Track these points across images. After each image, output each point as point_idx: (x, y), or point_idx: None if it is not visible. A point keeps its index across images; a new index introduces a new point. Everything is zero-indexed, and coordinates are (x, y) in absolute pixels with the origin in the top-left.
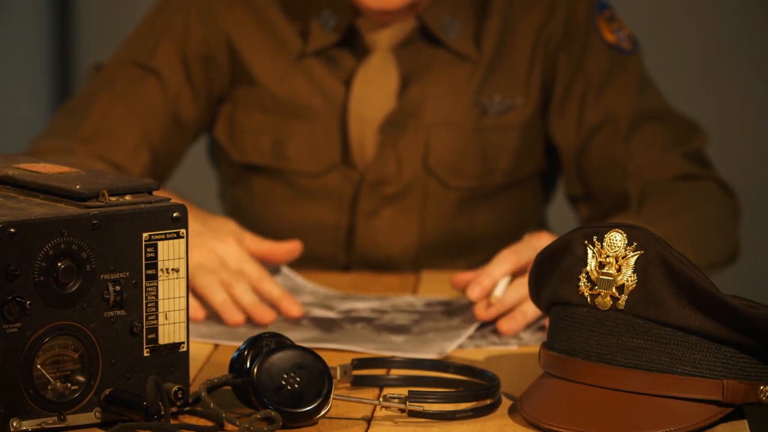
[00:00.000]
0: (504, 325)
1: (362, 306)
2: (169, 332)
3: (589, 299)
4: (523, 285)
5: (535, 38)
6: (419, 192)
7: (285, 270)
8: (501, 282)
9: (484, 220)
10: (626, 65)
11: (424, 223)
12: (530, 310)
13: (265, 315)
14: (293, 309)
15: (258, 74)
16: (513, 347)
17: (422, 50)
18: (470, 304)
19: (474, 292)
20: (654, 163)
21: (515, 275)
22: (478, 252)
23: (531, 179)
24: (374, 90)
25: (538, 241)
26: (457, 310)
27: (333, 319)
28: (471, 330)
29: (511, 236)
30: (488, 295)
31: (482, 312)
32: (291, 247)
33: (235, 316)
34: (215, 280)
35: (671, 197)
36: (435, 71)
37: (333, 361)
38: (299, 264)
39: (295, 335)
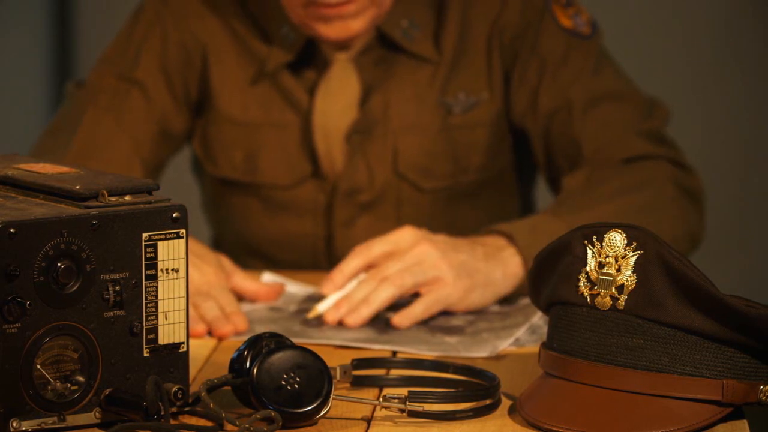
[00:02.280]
0: (349, 319)
1: None
2: (169, 332)
3: (588, 299)
4: (371, 278)
5: (489, 31)
6: (393, 197)
7: (293, 287)
8: (352, 281)
9: (463, 218)
10: (583, 49)
11: None
12: (377, 299)
13: (222, 328)
14: (240, 324)
15: (227, 86)
16: (511, 348)
17: (382, 57)
18: (524, 306)
19: (326, 288)
20: (609, 144)
21: (367, 269)
22: None
23: (506, 172)
24: (336, 101)
25: (396, 235)
26: (512, 312)
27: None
28: (524, 328)
29: None
30: (339, 286)
31: (330, 315)
32: (275, 290)
33: (196, 327)
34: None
35: (603, 184)
36: (397, 76)
37: (333, 361)
38: (286, 270)
39: (349, 335)
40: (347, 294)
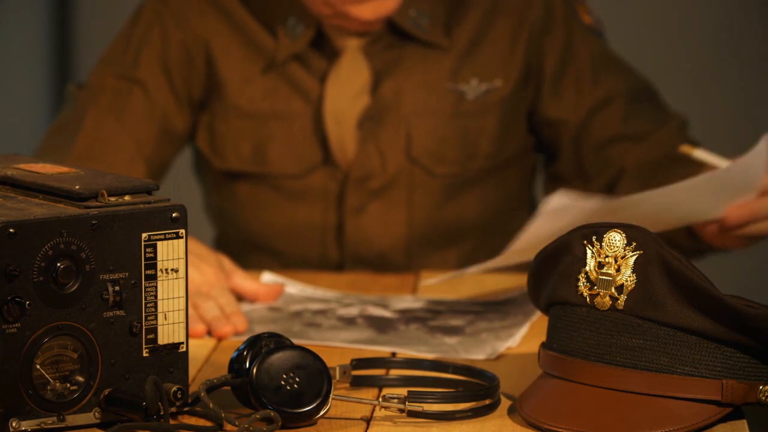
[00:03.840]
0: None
1: (418, 305)
2: (169, 332)
3: (588, 299)
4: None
5: (516, 22)
6: (405, 183)
7: (293, 287)
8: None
9: (471, 205)
10: (604, 46)
11: (412, 214)
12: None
13: (222, 328)
14: (239, 324)
15: (234, 79)
16: (511, 347)
17: (392, 45)
18: (524, 304)
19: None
20: (656, 136)
21: None
22: (468, 239)
23: (516, 160)
24: (347, 88)
25: None
26: (512, 311)
27: (388, 319)
28: (524, 330)
29: (499, 220)
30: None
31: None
32: (275, 290)
33: (195, 326)
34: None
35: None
36: (407, 63)
37: (333, 361)
38: (292, 266)
39: (350, 335)
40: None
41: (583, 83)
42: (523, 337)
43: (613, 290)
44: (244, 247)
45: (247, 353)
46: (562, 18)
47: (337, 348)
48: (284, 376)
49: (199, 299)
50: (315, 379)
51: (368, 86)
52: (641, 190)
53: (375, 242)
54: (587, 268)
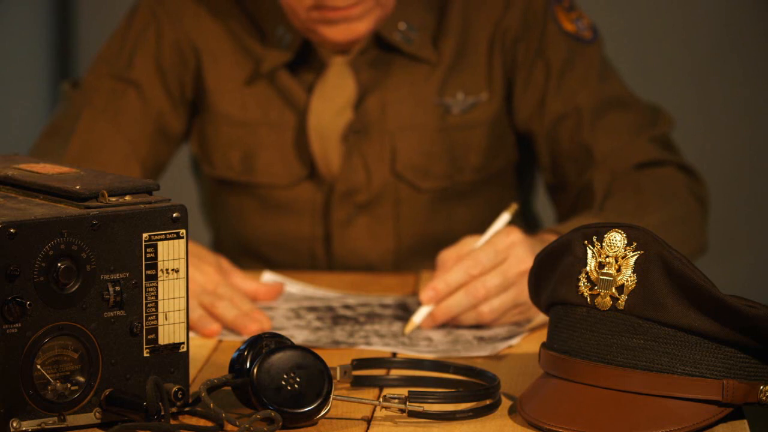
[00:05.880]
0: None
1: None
2: (169, 332)
3: (588, 299)
4: (469, 295)
5: (491, 32)
6: (391, 197)
7: (294, 287)
8: (424, 308)
9: (460, 218)
10: (586, 54)
11: (399, 228)
12: (466, 320)
13: (250, 325)
14: (265, 321)
15: (224, 86)
16: (511, 348)
17: (379, 58)
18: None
19: (426, 296)
20: (620, 149)
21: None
22: None
23: (505, 173)
24: (332, 103)
25: (503, 243)
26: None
27: (388, 318)
28: (525, 330)
29: None
30: (440, 298)
31: (426, 325)
32: (274, 289)
33: (210, 326)
34: (194, 303)
35: (637, 193)
36: (394, 77)
37: (333, 361)
38: (285, 271)
39: (350, 336)
40: (448, 307)
41: (549, 92)
42: (524, 337)
43: (613, 290)
44: (237, 252)
45: (247, 353)
46: (537, 25)
47: (337, 348)
48: (285, 376)
49: (213, 299)
50: (315, 379)
51: (353, 100)
52: (580, 213)
53: (363, 254)
54: (588, 268)
